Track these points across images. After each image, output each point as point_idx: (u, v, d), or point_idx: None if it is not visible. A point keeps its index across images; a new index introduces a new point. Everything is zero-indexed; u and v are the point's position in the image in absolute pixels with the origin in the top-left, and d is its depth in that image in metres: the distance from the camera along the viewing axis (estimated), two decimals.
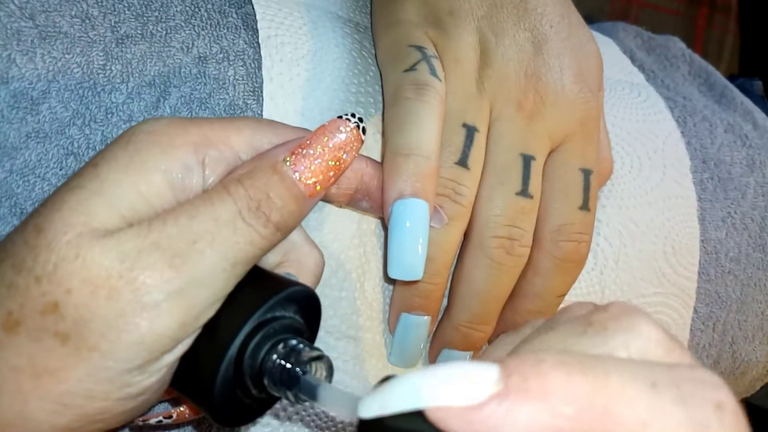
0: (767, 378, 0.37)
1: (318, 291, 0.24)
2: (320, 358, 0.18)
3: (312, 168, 0.18)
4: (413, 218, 0.21)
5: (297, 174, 0.18)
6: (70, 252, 0.16)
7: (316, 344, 0.24)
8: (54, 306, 0.16)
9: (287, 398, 0.17)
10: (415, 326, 0.25)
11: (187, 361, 0.18)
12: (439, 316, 0.26)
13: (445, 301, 0.26)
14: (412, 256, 0.22)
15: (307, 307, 0.19)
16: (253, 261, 0.18)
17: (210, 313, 0.17)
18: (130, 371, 0.16)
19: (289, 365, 0.17)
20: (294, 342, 0.18)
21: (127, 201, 0.17)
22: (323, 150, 0.19)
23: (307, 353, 0.17)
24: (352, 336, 0.25)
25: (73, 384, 0.16)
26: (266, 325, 0.18)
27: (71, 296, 0.16)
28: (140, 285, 0.16)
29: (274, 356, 0.17)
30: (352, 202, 0.23)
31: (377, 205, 0.22)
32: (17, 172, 0.21)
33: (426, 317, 0.25)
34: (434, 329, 0.27)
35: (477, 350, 0.27)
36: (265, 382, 0.17)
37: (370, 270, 0.25)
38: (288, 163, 0.18)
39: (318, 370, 0.18)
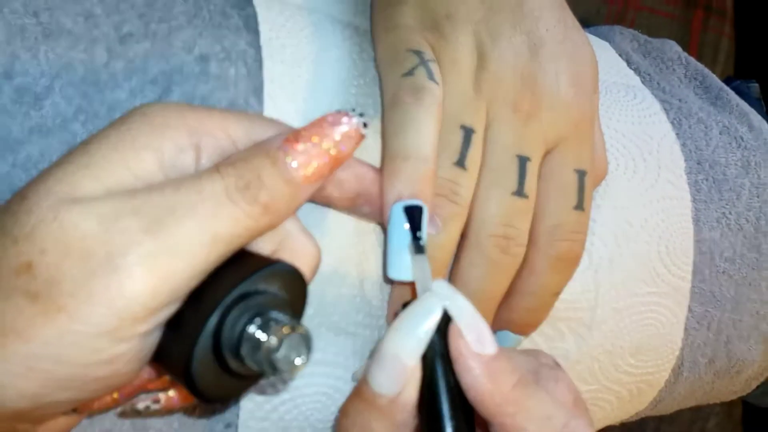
0: (763, 377, 0.37)
1: (317, 289, 0.24)
2: (298, 328, 0.17)
3: (307, 155, 0.18)
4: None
5: (290, 159, 0.18)
6: (48, 214, 0.16)
7: (317, 340, 0.24)
8: (27, 266, 0.16)
9: (264, 371, 0.17)
10: None
11: (167, 334, 0.18)
12: None
13: None
14: (410, 258, 0.22)
15: (292, 285, 0.19)
16: (238, 241, 0.17)
17: (186, 287, 0.17)
18: (98, 337, 0.16)
19: (264, 335, 0.17)
20: (273, 314, 0.17)
21: (114, 176, 0.17)
22: (320, 139, 0.19)
23: (285, 324, 0.17)
24: (351, 333, 0.25)
25: (39, 345, 0.15)
26: (248, 298, 0.17)
27: (45, 256, 0.16)
28: (113, 247, 0.16)
29: (252, 327, 0.17)
30: (353, 207, 0.23)
31: (377, 209, 0.23)
32: (20, 166, 0.21)
33: None
34: None
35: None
36: (242, 352, 0.17)
37: (369, 267, 0.25)
38: (283, 149, 0.18)
39: (296, 341, 0.17)
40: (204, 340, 0.17)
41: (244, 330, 0.17)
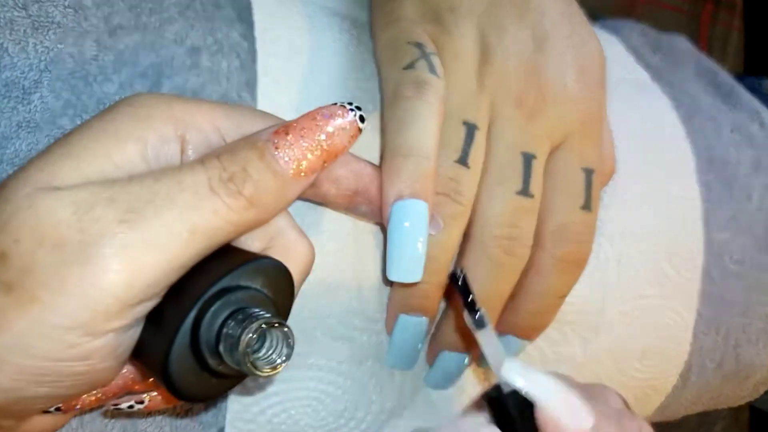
0: None
1: (313, 291, 0.23)
2: (279, 326, 0.17)
3: (297, 148, 0.18)
4: (412, 219, 0.21)
5: (279, 151, 0.17)
6: (24, 202, 0.15)
7: (310, 345, 0.24)
8: (2, 255, 0.15)
9: (244, 370, 0.16)
10: (412, 327, 0.25)
11: (147, 330, 0.17)
12: (438, 317, 0.26)
13: (443, 302, 0.26)
14: (412, 259, 0.21)
15: (277, 282, 0.18)
16: (220, 234, 0.17)
17: (164, 280, 0.16)
18: (71, 330, 0.15)
19: (243, 332, 0.16)
20: (254, 310, 0.17)
21: (94, 166, 0.16)
22: (312, 132, 0.18)
23: (266, 321, 0.16)
24: (347, 337, 0.25)
25: (12, 337, 0.15)
26: (229, 293, 0.17)
27: (19, 245, 0.15)
28: (87, 236, 0.15)
29: (231, 324, 0.16)
30: (351, 206, 0.22)
31: (376, 208, 0.22)
32: (7, 161, 0.21)
33: (424, 318, 0.25)
34: (432, 330, 0.26)
35: (476, 351, 0.26)
36: (221, 349, 0.16)
37: (366, 269, 0.25)
38: (272, 141, 0.18)
39: (276, 339, 0.17)
40: (182, 336, 0.16)
41: (222, 326, 0.17)
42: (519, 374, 0.18)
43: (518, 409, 0.18)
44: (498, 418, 0.19)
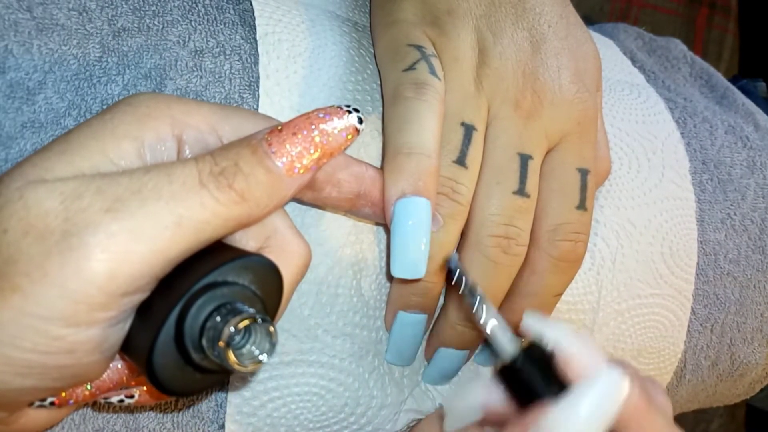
0: (767, 380, 0.37)
1: (314, 288, 0.24)
2: (262, 323, 0.17)
3: (292, 146, 0.18)
4: (416, 217, 0.21)
5: (272, 148, 0.17)
6: (15, 194, 0.16)
7: (312, 342, 0.24)
8: None
9: (225, 364, 0.16)
10: (411, 324, 0.25)
11: (135, 324, 0.17)
12: (436, 314, 0.26)
13: (441, 300, 0.26)
14: (415, 255, 0.21)
15: (266, 280, 0.18)
16: (208, 228, 0.16)
17: (149, 273, 0.16)
18: (54, 320, 0.15)
19: (224, 326, 0.16)
20: (238, 305, 0.17)
21: (90, 162, 0.16)
22: (308, 132, 0.18)
23: (249, 316, 0.16)
24: (348, 333, 0.25)
25: None
26: (215, 288, 0.17)
27: (6, 236, 0.15)
28: (72, 225, 0.15)
29: (216, 317, 0.16)
30: (354, 208, 0.22)
31: (379, 210, 0.22)
32: (12, 161, 0.21)
33: (423, 315, 0.25)
34: (430, 327, 0.27)
35: (473, 349, 0.27)
36: (203, 343, 0.16)
37: (366, 267, 0.25)
38: (266, 139, 0.18)
39: (259, 335, 0.17)
40: (167, 330, 0.16)
41: (207, 320, 0.16)
42: (539, 324, 0.18)
43: (535, 365, 0.18)
44: (513, 384, 0.19)
